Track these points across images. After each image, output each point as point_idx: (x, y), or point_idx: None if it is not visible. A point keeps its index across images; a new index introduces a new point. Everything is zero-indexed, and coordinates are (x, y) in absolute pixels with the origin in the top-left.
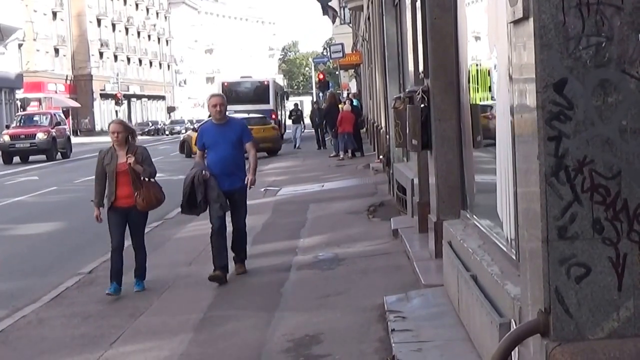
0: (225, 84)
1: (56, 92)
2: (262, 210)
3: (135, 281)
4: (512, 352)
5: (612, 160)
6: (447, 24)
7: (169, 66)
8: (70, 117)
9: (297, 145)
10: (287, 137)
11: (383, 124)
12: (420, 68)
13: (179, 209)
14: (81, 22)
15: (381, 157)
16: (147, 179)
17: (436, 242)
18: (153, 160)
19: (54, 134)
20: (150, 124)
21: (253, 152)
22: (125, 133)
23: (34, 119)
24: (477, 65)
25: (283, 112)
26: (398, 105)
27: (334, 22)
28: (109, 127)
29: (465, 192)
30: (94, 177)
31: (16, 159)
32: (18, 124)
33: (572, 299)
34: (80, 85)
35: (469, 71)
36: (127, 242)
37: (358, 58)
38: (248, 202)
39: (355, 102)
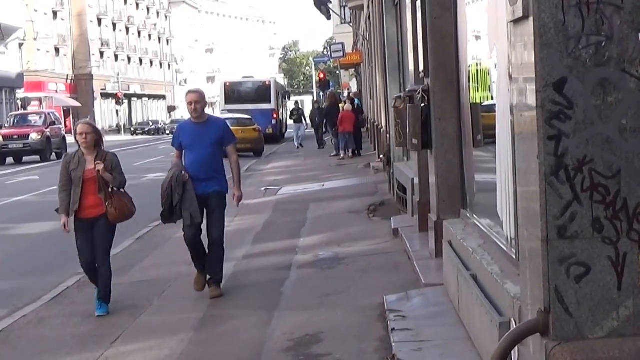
0: (228, 83)
1: (57, 91)
2: (262, 210)
3: (98, 304)
4: (512, 352)
5: (612, 160)
6: (447, 23)
7: (169, 66)
8: (71, 116)
9: (298, 145)
10: (288, 136)
11: (383, 123)
12: (421, 67)
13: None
14: (82, 22)
15: (382, 156)
16: (116, 189)
17: (436, 241)
18: (153, 159)
19: (48, 134)
20: (151, 124)
21: (235, 158)
22: (95, 135)
23: (28, 118)
24: (477, 64)
25: (284, 112)
26: (398, 104)
27: (329, 17)
28: (76, 128)
29: (465, 192)
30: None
31: (9, 159)
32: (11, 124)
33: (571, 298)
34: (80, 84)
35: (469, 70)
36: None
37: (359, 57)
38: (248, 202)
39: (356, 102)
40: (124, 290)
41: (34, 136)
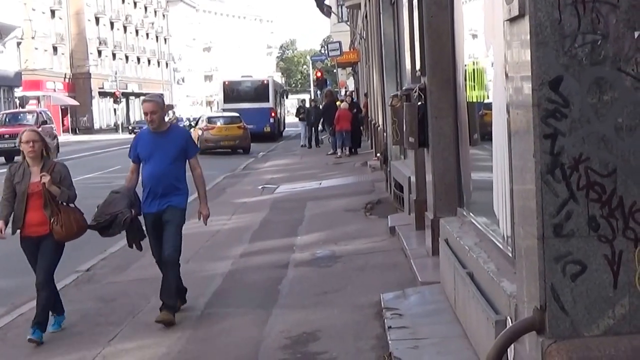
0: (227, 82)
1: (55, 90)
2: (259, 208)
3: (33, 330)
4: (508, 349)
5: (608, 158)
6: (443, 22)
7: (167, 64)
8: (69, 115)
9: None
10: (286, 134)
11: (380, 122)
12: (417, 66)
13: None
14: (80, 21)
15: (378, 154)
16: (64, 204)
17: (433, 239)
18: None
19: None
20: None
21: (198, 172)
22: (42, 144)
23: (19, 117)
24: (473, 63)
25: (282, 110)
26: (395, 103)
27: (329, 16)
28: (20, 137)
29: (461, 190)
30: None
31: (1, 159)
32: (2, 123)
33: (567, 296)
34: (78, 83)
35: (466, 69)
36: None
37: (356, 56)
38: (245, 200)
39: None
40: (121, 289)
41: None
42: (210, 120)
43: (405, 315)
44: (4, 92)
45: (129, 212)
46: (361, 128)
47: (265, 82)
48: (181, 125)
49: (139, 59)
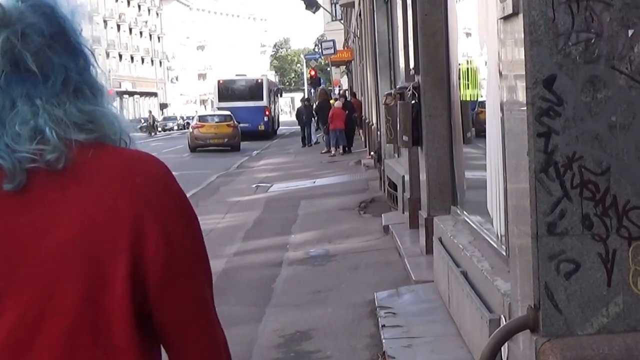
0: (221, 81)
1: None
2: (253, 207)
3: None
4: (502, 348)
5: (602, 156)
6: (437, 20)
7: (161, 63)
8: None
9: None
10: (280, 132)
11: (374, 120)
12: (411, 64)
13: None
14: None
15: (372, 153)
16: None
17: (427, 238)
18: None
19: None
20: (143, 121)
21: None
22: None
23: None
24: (467, 61)
25: (276, 109)
26: (389, 101)
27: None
28: None
29: (455, 188)
30: None
31: None
32: None
33: (561, 294)
34: None
35: (460, 67)
36: None
37: (349, 54)
38: (239, 199)
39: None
40: None
41: None
42: (201, 118)
43: (399, 314)
44: None
45: None
46: (355, 127)
47: (259, 81)
48: (175, 124)
49: (132, 58)
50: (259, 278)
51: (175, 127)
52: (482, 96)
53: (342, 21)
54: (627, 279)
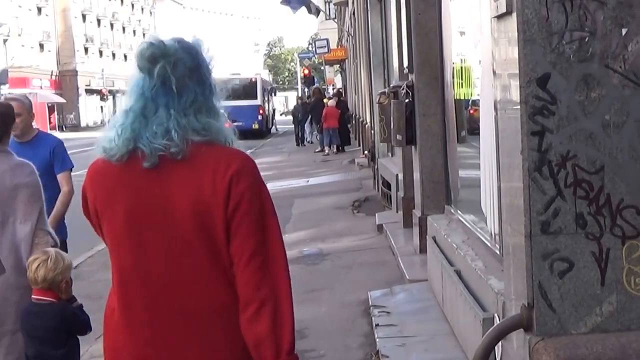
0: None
1: (41, 87)
2: None
3: None
4: (496, 347)
5: (595, 155)
6: (431, 19)
7: None
8: (56, 112)
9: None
10: (273, 131)
11: (368, 119)
12: (405, 63)
13: None
14: (66, 18)
15: (366, 152)
16: None
17: (420, 237)
18: None
19: None
20: None
21: (66, 190)
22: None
23: None
24: (461, 60)
25: (270, 107)
26: (383, 100)
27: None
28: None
29: (449, 187)
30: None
31: None
32: None
33: (555, 293)
34: (65, 80)
35: (454, 66)
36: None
37: (343, 53)
38: None
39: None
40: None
41: None
42: None
43: (392, 313)
44: None
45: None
46: (349, 126)
47: (253, 79)
48: None
49: (126, 57)
50: None
51: None
52: (476, 95)
53: (336, 20)
54: (621, 278)
